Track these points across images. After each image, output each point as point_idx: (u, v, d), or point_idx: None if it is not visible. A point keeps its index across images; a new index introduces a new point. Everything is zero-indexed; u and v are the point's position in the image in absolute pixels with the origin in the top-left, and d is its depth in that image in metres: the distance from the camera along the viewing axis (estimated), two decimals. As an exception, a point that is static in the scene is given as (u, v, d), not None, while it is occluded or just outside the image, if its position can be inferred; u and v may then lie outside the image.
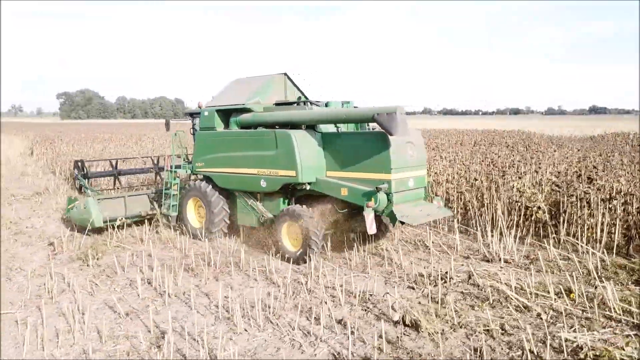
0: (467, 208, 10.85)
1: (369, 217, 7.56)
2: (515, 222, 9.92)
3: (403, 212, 7.68)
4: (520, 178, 11.11)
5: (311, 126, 8.69)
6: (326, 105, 9.45)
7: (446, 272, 7.59)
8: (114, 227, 10.02)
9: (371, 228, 7.61)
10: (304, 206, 8.41)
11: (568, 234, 9.22)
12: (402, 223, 7.87)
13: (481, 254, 8.71)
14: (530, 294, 6.76)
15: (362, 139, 8.15)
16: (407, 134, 7.57)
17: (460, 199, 11.17)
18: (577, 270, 7.67)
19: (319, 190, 8.43)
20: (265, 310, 6.32)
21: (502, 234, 9.27)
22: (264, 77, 9.82)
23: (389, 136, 7.52)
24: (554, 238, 9.21)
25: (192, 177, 10.87)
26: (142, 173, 14.16)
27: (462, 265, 8.17)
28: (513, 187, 10.36)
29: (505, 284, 7.04)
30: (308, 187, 8.45)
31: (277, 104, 9.47)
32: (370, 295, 6.88)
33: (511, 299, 6.55)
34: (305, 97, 10.08)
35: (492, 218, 10.19)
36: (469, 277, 7.43)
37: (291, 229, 8.45)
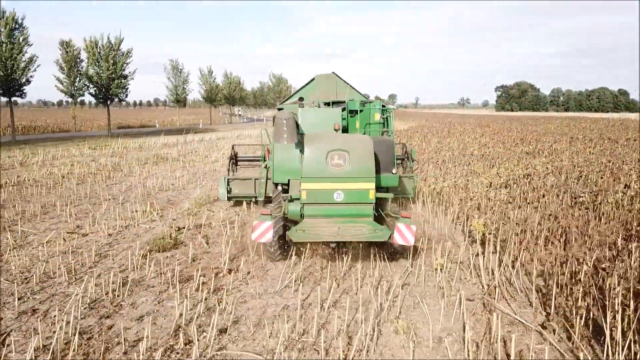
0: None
1: (259, 225, 7.10)
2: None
3: (303, 227, 7.16)
4: None
5: None
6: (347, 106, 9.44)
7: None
8: (238, 202, 12.04)
9: (261, 237, 7.14)
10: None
11: None
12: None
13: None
14: None
15: (300, 144, 7.53)
16: (286, 141, 7.18)
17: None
18: None
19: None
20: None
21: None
22: (316, 76, 10.10)
23: (304, 144, 7.34)
24: None
25: None
26: None
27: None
28: None
29: None
30: (280, 188, 8.46)
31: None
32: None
33: None
34: (363, 95, 9.99)
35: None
36: None
37: None
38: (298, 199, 7.57)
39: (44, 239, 9.25)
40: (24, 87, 31.02)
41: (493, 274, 7.20)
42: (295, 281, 7.07)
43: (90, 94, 38.65)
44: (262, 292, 6.77)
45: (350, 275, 7.33)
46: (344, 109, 9.57)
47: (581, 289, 5.61)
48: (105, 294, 6.62)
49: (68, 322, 5.76)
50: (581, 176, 13.69)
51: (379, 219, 7.88)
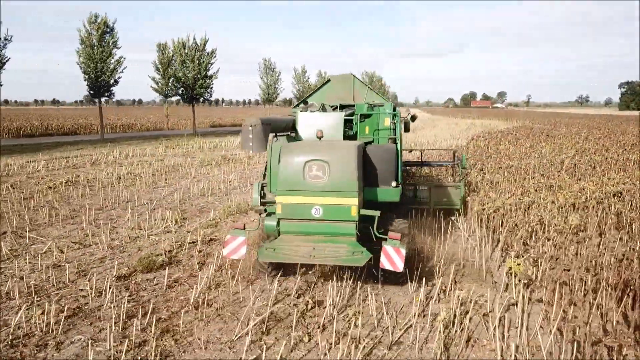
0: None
1: (231, 240, 6.80)
2: None
3: (274, 245, 6.52)
4: None
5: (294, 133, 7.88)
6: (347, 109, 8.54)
7: None
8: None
9: (233, 253, 6.83)
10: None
11: None
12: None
13: None
14: None
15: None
16: (252, 150, 6.30)
17: None
18: None
19: None
20: None
21: None
22: (331, 77, 9.39)
23: (280, 153, 6.80)
24: None
25: None
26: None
27: None
28: None
29: None
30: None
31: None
32: None
33: None
34: (385, 98, 8.98)
35: None
36: None
37: None
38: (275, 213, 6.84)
39: (44, 248, 8.80)
40: (112, 88, 32.76)
41: (520, 337, 5.33)
42: (262, 326, 5.76)
43: (178, 94, 40.11)
44: (215, 340, 5.54)
45: (337, 322, 5.85)
46: (352, 114, 8.13)
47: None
48: (40, 330, 5.76)
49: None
50: (694, 197, 10.77)
51: (368, 238, 6.71)
